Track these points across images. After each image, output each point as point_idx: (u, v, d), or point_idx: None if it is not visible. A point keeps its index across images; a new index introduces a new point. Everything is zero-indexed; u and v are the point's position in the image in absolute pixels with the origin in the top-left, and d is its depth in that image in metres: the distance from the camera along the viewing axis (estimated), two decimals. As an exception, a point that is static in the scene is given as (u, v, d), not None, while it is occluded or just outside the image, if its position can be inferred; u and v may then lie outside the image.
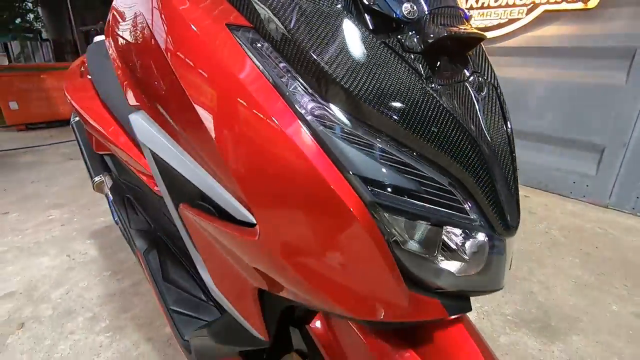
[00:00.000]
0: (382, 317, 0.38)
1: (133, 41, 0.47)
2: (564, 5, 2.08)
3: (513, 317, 1.30)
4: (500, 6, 2.31)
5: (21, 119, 4.27)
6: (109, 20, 0.54)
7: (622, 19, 1.97)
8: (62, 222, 1.97)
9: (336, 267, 0.36)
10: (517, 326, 1.26)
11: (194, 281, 0.98)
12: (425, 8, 0.38)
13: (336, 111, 0.35)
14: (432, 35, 0.37)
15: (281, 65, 0.37)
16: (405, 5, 0.37)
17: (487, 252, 0.40)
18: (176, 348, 1.15)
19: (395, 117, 0.34)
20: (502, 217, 0.39)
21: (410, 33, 0.38)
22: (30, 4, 7.43)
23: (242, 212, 0.40)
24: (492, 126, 0.40)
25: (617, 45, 2.00)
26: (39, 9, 7.18)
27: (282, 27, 0.36)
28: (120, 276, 1.51)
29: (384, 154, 0.35)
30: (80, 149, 1.45)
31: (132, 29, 0.47)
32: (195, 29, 0.38)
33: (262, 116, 0.35)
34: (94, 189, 1.38)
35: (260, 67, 0.36)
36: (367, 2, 0.36)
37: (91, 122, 1.07)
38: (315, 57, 0.35)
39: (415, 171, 0.36)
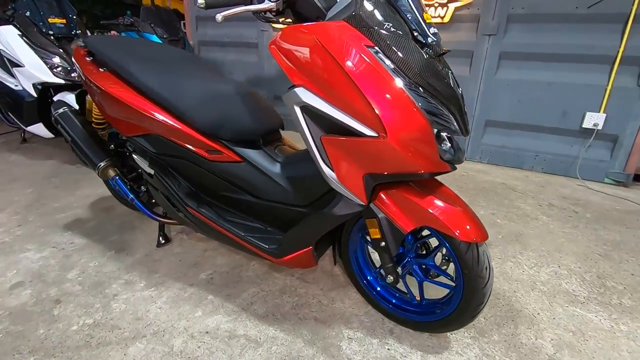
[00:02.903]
0: (430, 169, 0.91)
1: (304, 50, 0.88)
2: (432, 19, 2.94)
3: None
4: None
5: None
6: (278, 37, 0.91)
7: (465, 31, 2.93)
8: (18, 223, 1.89)
9: (417, 146, 0.87)
10: (435, 230, 1.96)
11: (245, 217, 1.33)
12: (434, 41, 0.91)
13: (405, 77, 0.86)
14: (437, 50, 0.91)
15: (385, 58, 0.85)
16: (428, 39, 0.89)
17: (457, 146, 0.96)
18: (217, 284, 1.46)
19: (427, 78, 0.87)
20: (464, 127, 0.96)
21: (428, 49, 0.91)
22: None
23: (369, 132, 0.87)
24: (456, 86, 0.96)
25: (463, 48, 2.96)
26: None
27: (386, 45, 0.84)
28: (127, 252, 1.66)
29: (424, 96, 0.87)
30: (73, 138, 1.55)
31: (304, 45, 0.88)
32: (352, 46, 0.83)
33: (385, 80, 0.83)
34: (98, 175, 1.53)
35: (379, 59, 0.84)
36: (415, 35, 0.88)
37: (135, 108, 1.28)
38: (397, 54, 0.84)
39: (434, 104, 0.89)
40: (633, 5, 2.36)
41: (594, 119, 2.64)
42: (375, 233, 1.06)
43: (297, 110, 0.94)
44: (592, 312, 1.39)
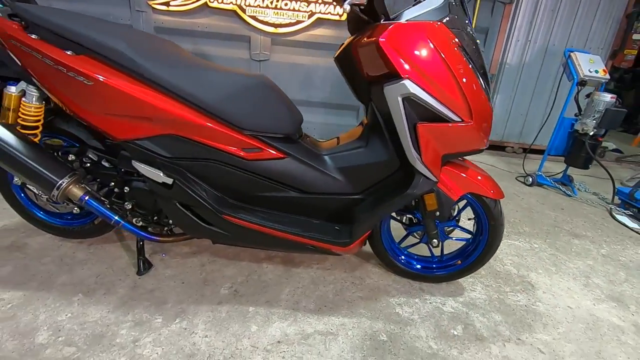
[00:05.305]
0: (484, 146, 1.15)
1: (415, 46, 0.94)
2: (329, 16, 3.19)
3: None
4: (290, 10, 3.15)
5: None
6: (388, 34, 0.92)
7: (359, 29, 3.31)
8: None
9: (486, 128, 1.10)
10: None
11: (287, 215, 1.28)
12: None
13: (478, 72, 1.07)
14: (479, 49, 1.15)
15: (468, 56, 1.03)
16: (477, 40, 1.12)
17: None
18: (245, 294, 1.34)
19: (484, 72, 1.11)
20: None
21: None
22: None
23: (456, 118, 1.04)
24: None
25: (357, 45, 3.34)
26: None
27: (467, 45, 1.03)
28: (103, 291, 1.29)
29: (486, 88, 1.11)
30: (11, 154, 1.10)
31: (416, 42, 0.94)
32: (451, 45, 0.97)
33: (472, 75, 1.03)
34: (56, 199, 1.16)
35: (466, 57, 1.01)
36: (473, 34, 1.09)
37: (148, 102, 1.03)
38: (474, 53, 1.05)
39: (479, 77, 1.13)
40: (473, 19, 3.22)
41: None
42: (432, 205, 1.24)
43: (399, 100, 1.01)
44: (516, 240, 1.97)
